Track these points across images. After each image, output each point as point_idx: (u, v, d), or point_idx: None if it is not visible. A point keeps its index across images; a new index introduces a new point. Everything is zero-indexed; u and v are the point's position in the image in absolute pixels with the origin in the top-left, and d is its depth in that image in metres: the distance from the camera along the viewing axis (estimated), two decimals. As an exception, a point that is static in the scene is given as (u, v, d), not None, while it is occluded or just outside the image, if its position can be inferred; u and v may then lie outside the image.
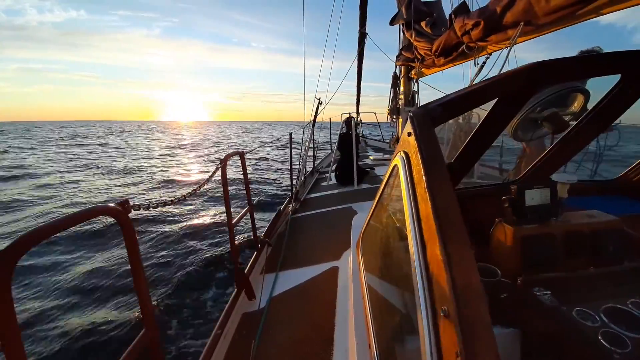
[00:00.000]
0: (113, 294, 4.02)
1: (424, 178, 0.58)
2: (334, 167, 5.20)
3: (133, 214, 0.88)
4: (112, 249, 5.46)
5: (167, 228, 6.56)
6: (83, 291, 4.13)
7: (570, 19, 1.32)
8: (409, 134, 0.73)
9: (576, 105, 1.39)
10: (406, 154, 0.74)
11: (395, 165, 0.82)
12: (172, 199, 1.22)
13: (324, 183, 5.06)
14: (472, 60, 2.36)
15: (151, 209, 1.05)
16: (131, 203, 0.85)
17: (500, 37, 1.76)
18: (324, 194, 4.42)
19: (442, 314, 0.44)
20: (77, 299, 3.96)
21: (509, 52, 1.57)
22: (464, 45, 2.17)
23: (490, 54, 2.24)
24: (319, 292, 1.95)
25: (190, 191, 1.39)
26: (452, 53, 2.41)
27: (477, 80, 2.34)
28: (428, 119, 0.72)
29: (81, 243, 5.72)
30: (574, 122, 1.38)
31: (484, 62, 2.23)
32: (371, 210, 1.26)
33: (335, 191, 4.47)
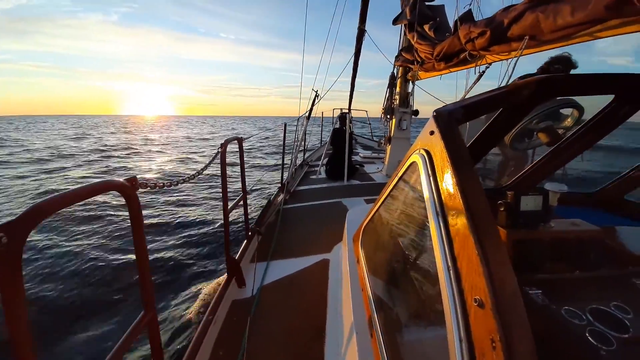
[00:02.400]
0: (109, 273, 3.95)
1: (452, 175, 0.61)
2: (324, 161, 5.22)
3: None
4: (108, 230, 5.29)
5: (163, 212, 6.40)
6: (82, 273, 4.03)
7: (573, 38, 1.40)
8: (432, 133, 0.75)
9: (569, 121, 1.48)
10: (427, 152, 0.76)
11: (413, 162, 0.85)
12: (177, 180, 1.19)
13: (314, 176, 5.07)
14: (472, 68, 2.44)
15: (158, 187, 1.02)
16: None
17: (504, 49, 1.83)
18: (313, 187, 4.43)
19: (474, 303, 0.47)
20: (77, 282, 3.85)
21: (515, 63, 1.64)
22: (466, 53, 2.24)
23: (490, 64, 2.32)
24: (309, 283, 1.97)
25: (193, 173, 1.36)
26: (454, 59, 2.47)
27: (474, 88, 2.42)
28: (453, 119, 0.75)
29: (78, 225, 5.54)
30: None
31: (483, 71, 2.31)
32: (377, 204, 1.29)
33: (325, 185, 4.50)
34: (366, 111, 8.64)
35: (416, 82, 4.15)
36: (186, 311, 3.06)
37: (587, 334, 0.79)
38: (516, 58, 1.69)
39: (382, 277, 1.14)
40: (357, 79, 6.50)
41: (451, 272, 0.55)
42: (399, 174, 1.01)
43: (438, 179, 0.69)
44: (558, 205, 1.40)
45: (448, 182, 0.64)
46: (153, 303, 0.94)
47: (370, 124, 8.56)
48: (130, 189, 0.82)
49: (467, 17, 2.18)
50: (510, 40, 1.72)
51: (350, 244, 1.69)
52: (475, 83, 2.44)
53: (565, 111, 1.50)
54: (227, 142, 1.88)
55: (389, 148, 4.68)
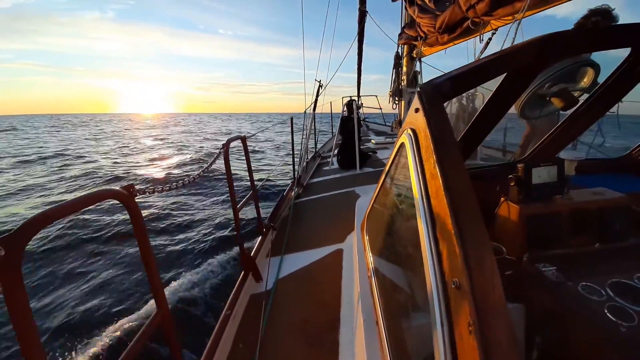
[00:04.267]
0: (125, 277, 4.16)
1: (433, 154, 0.58)
2: (335, 152, 5.17)
3: (139, 199, 0.88)
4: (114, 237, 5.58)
5: (173, 213, 6.68)
6: (93, 278, 4.26)
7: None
8: (417, 110, 0.71)
9: (586, 81, 1.35)
10: (414, 131, 0.72)
11: (402, 143, 0.81)
12: (175, 184, 1.22)
13: (326, 167, 5.05)
14: (477, 37, 2.29)
15: (156, 193, 1.05)
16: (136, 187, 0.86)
17: (508, 11, 1.70)
18: (326, 179, 4.42)
19: (453, 286, 0.45)
20: (89, 285, 4.09)
21: (518, 26, 1.52)
22: (469, 21, 2.10)
23: (496, 30, 2.16)
24: (324, 274, 1.98)
25: (193, 176, 1.39)
26: (457, 29, 2.33)
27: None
28: (437, 94, 0.70)
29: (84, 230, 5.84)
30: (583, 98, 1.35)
31: (490, 39, 2.16)
32: (376, 191, 1.26)
33: (338, 175, 4.47)
34: (376, 96, 8.43)
35: (424, 60, 3.98)
36: (205, 309, 3.18)
37: (605, 310, 0.73)
38: (521, 19, 1.56)
39: (384, 264, 1.11)
40: (349, 75, 6.30)
41: (434, 254, 0.53)
42: (392, 157, 0.97)
43: (424, 159, 0.65)
44: (579, 174, 1.30)
45: (430, 161, 0.60)
46: (164, 301, 0.98)
47: (381, 109, 8.36)
48: (127, 196, 0.84)
49: (466, -18, 2.04)
50: (513, 1, 1.59)
51: (359, 232, 1.67)
52: (482, 52, 2.29)
53: (581, 71, 1.36)
54: (230, 141, 1.90)
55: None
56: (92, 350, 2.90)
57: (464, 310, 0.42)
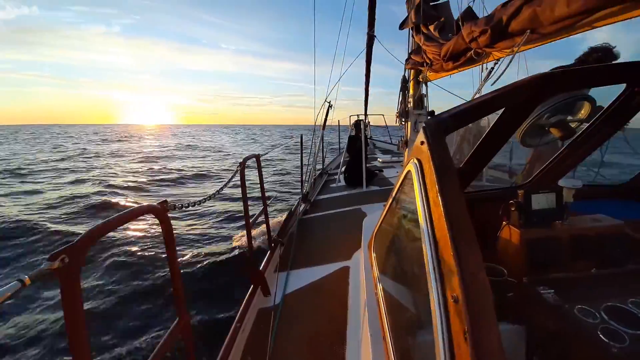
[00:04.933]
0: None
1: (436, 185, 0.66)
2: (343, 169, 5.27)
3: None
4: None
5: (185, 227, 6.82)
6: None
7: (574, 29, 1.37)
8: (422, 143, 0.80)
9: (583, 113, 1.43)
10: (419, 161, 0.81)
11: (409, 171, 0.90)
12: (202, 198, 1.34)
13: (333, 185, 5.14)
14: (480, 66, 2.41)
15: (184, 208, 1.15)
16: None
17: (508, 44, 1.81)
18: (333, 196, 4.49)
19: (452, 301, 0.52)
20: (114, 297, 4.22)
21: (511, 59, 1.63)
22: (472, 51, 2.23)
23: (498, 60, 2.28)
24: (331, 290, 2.03)
25: (214, 192, 1.49)
26: (461, 58, 2.46)
27: (485, 85, 2.39)
28: (440, 129, 0.79)
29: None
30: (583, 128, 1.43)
31: (492, 68, 2.27)
32: (384, 212, 1.33)
33: (344, 193, 4.54)
34: (383, 115, 8.62)
35: (434, 81, 4.12)
36: (214, 319, 3.22)
37: (599, 332, 0.78)
38: (523, 52, 1.67)
39: (390, 281, 1.17)
40: (357, 90, 6.49)
41: (436, 272, 0.60)
42: (399, 182, 1.06)
43: (428, 188, 0.74)
44: (580, 200, 1.36)
45: (434, 190, 0.69)
46: (186, 310, 1.05)
47: (387, 127, 8.51)
48: (162, 211, 0.94)
49: (468, 16, 2.18)
50: (512, 36, 1.70)
51: (366, 250, 1.73)
52: (485, 80, 2.41)
53: (578, 104, 1.45)
54: (246, 160, 2.01)
55: (406, 151, 4.65)
56: (118, 352, 2.98)
57: (461, 321, 0.49)
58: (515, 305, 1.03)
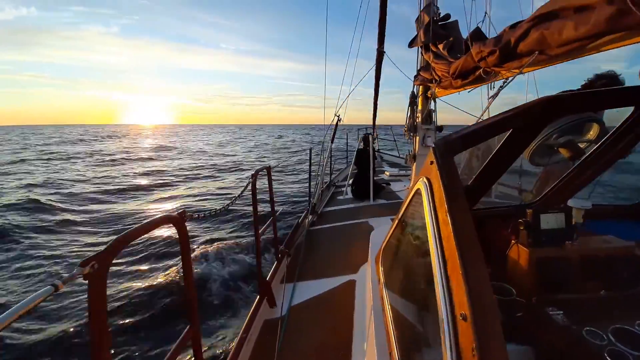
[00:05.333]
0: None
1: (445, 204, 0.69)
2: (350, 182, 5.30)
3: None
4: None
5: (196, 234, 6.90)
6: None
7: (582, 52, 1.40)
8: (432, 163, 0.83)
9: (592, 134, 1.45)
10: (429, 180, 0.84)
11: (418, 189, 0.92)
12: (220, 209, 1.38)
13: (340, 197, 5.16)
14: (489, 84, 2.45)
15: (200, 218, 1.19)
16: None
17: (516, 65, 1.85)
18: (340, 208, 4.51)
19: (460, 318, 0.54)
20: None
21: (513, 78, 1.67)
22: (481, 70, 2.27)
23: (506, 79, 2.32)
24: (337, 303, 2.02)
25: (230, 202, 1.54)
26: (469, 76, 2.50)
27: (494, 103, 2.42)
28: (449, 150, 0.82)
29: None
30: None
31: (502, 86, 2.31)
32: (392, 227, 1.35)
33: (352, 205, 4.55)
34: (390, 126, 8.67)
35: (442, 98, 4.17)
36: (221, 329, 3.22)
37: (605, 354, 0.78)
38: (532, 72, 1.70)
39: (399, 298, 1.18)
40: (367, 94, 6.52)
41: (445, 290, 0.62)
42: (408, 199, 1.08)
43: (437, 207, 0.76)
44: (592, 220, 1.35)
45: (442, 209, 0.71)
46: (197, 319, 1.08)
47: (395, 140, 8.55)
48: (180, 220, 0.99)
49: (476, 36, 2.24)
50: (521, 56, 1.74)
51: (373, 264, 1.73)
52: (493, 98, 2.44)
53: (586, 125, 1.47)
54: (257, 172, 2.06)
55: (414, 165, 4.67)
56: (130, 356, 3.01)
57: (469, 337, 0.50)
58: (523, 325, 1.02)
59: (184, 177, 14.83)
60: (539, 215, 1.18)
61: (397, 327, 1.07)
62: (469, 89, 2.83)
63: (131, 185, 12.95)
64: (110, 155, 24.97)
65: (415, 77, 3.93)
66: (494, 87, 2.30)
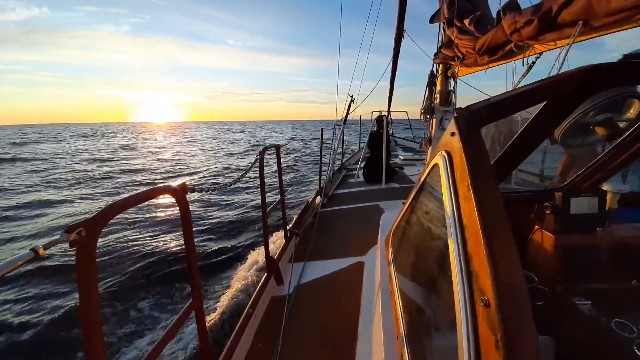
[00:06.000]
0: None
1: (467, 178, 0.60)
2: (362, 165, 5.19)
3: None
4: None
5: (204, 212, 7.02)
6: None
7: (629, 22, 1.24)
8: (453, 134, 0.74)
9: (632, 112, 1.30)
10: (448, 153, 0.75)
11: (436, 164, 0.84)
12: (220, 185, 1.33)
13: (352, 180, 5.08)
14: (519, 60, 2.26)
15: (203, 192, 1.15)
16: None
17: (555, 36, 1.67)
18: (351, 191, 4.44)
19: (481, 304, 0.47)
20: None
21: (567, 52, 1.49)
22: (512, 44, 2.08)
23: (540, 54, 2.13)
24: (344, 285, 1.99)
25: (235, 179, 1.49)
26: (498, 52, 2.31)
27: (524, 81, 2.24)
28: (475, 120, 0.73)
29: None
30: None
31: (534, 62, 2.12)
32: (405, 207, 1.28)
33: (363, 188, 4.47)
34: (406, 112, 8.38)
35: (462, 78, 3.94)
36: (229, 303, 3.29)
37: (635, 347, 0.71)
38: (568, 45, 1.53)
39: (409, 280, 1.12)
40: (380, 85, 6.24)
41: (464, 273, 0.55)
42: (424, 176, 1.00)
43: (456, 181, 0.68)
44: (625, 207, 1.24)
45: (464, 184, 0.63)
46: (200, 292, 1.06)
47: (410, 125, 8.29)
48: (180, 193, 0.94)
49: (511, 6, 2.04)
50: (562, 27, 1.57)
51: (382, 247, 1.68)
52: (524, 76, 2.26)
53: (627, 102, 1.32)
54: (265, 149, 2.00)
55: (429, 149, 4.50)
56: (133, 326, 3.12)
57: (492, 327, 0.44)
58: (545, 315, 0.96)
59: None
60: (569, 198, 1.08)
61: (405, 310, 1.03)
62: (496, 65, 2.63)
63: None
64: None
65: (435, 54, 3.70)
66: (527, 63, 2.11)
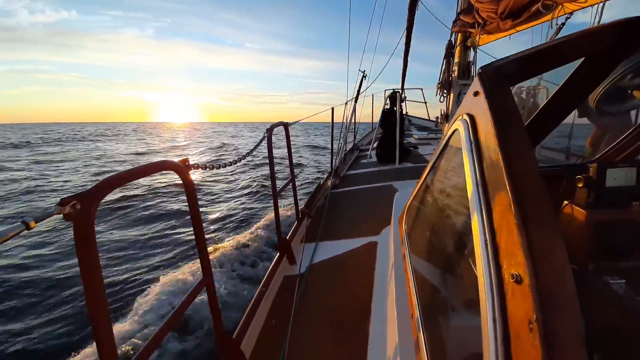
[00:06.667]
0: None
1: (495, 138, 0.53)
2: (375, 145, 5.06)
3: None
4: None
5: (216, 192, 7.16)
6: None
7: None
8: (476, 94, 0.66)
9: None
10: (471, 116, 0.67)
11: (455, 130, 0.76)
12: (225, 163, 1.30)
13: (364, 160, 4.97)
14: (547, 22, 2.05)
15: (207, 169, 1.13)
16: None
17: (589, -10, 1.49)
18: (363, 171, 4.36)
19: (511, 280, 0.41)
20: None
21: (602, 7, 1.32)
22: (539, 4, 1.88)
23: (571, 14, 1.92)
24: (357, 264, 1.97)
25: (240, 157, 1.45)
26: (523, 14, 2.10)
27: None
28: (502, 76, 0.64)
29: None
30: None
31: (563, 23, 1.92)
32: (420, 183, 1.21)
33: (375, 169, 4.38)
34: (421, 89, 8.02)
35: (481, 48, 3.67)
36: (241, 284, 3.38)
37: None
38: (602, 3, 1.36)
39: (423, 257, 1.07)
40: (389, 63, 5.88)
41: (489, 246, 0.49)
42: (441, 145, 0.92)
43: (481, 145, 0.61)
44: None
45: (491, 147, 0.56)
46: (210, 269, 1.05)
47: (425, 103, 7.95)
48: (183, 168, 0.91)
49: (538, -40, 1.82)
50: (598, -22, 1.39)
51: (395, 226, 1.63)
52: (553, 38, 2.06)
53: None
54: (273, 127, 1.95)
55: (445, 127, 4.30)
56: (143, 303, 3.27)
57: (524, 305, 0.38)
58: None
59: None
60: (604, 170, 0.98)
61: (419, 288, 0.98)
62: (521, 29, 2.41)
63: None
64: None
65: (454, 22, 3.44)
66: (556, 25, 1.92)
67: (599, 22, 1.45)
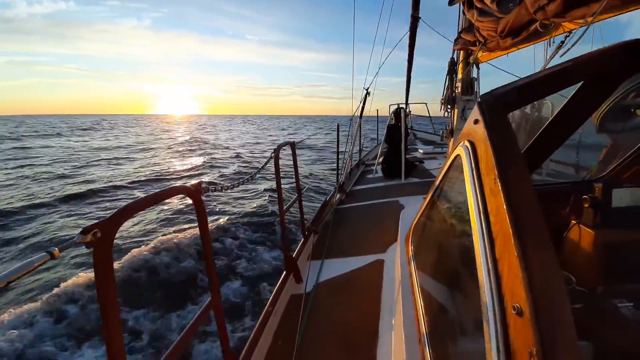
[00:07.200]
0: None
1: (494, 169, 0.55)
2: (380, 160, 5.09)
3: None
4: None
5: (222, 212, 7.20)
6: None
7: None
8: (476, 122, 0.68)
9: None
10: (471, 143, 0.69)
11: (458, 155, 0.78)
12: (234, 183, 1.34)
13: (370, 175, 4.99)
14: (545, 42, 2.09)
15: (216, 191, 1.16)
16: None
17: (583, 12, 1.53)
18: (369, 187, 4.37)
19: (513, 312, 0.42)
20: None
21: (587, 29, 1.35)
22: (537, 23, 1.93)
23: (570, 32, 1.96)
24: (364, 283, 1.96)
25: (247, 177, 1.49)
26: (522, 32, 2.15)
27: (552, 63, 2.07)
28: (500, 105, 0.66)
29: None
30: None
31: (562, 42, 1.96)
32: (425, 203, 1.22)
33: (381, 184, 4.39)
34: (426, 104, 8.11)
35: (484, 63, 3.73)
36: (247, 302, 3.35)
37: None
38: (599, 22, 1.39)
39: (430, 279, 1.07)
40: (389, 80, 6.01)
41: (491, 275, 0.50)
42: (444, 170, 0.94)
43: (481, 173, 0.62)
44: None
45: (490, 176, 0.57)
46: (217, 290, 1.07)
47: (430, 118, 8.01)
48: (196, 192, 0.95)
49: (535, -18, 1.88)
50: (590, 1, 1.43)
51: (402, 244, 1.63)
52: (552, 57, 2.09)
53: None
54: (280, 147, 2.00)
55: (451, 142, 4.32)
56: (153, 324, 3.26)
57: (526, 338, 0.39)
58: (584, 318, 0.87)
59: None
60: (610, 190, 0.98)
61: (427, 311, 0.98)
62: (521, 48, 2.45)
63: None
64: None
65: (455, 40, 3.53)
66: (554, 42, 1.95)
67: (592, 44, 1.47)
